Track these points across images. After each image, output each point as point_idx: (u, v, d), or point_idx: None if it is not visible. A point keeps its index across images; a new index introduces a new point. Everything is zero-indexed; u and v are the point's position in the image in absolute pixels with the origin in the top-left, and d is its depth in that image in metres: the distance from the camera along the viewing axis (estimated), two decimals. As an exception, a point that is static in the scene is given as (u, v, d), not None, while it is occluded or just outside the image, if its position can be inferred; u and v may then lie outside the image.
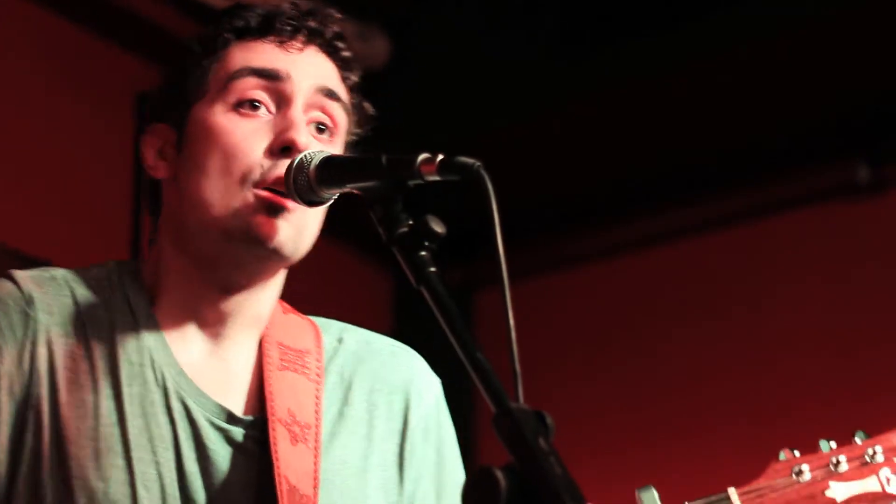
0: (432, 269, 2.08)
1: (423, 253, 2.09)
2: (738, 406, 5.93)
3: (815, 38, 5.43)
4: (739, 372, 6.02)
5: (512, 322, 1.98)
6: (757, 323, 6.07)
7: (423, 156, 2.14)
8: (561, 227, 6.47)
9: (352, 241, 5.90)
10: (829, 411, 5.47)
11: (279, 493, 2.38)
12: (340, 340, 2.63)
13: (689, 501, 2.45)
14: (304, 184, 2.32)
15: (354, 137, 2.56)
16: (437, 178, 2.13)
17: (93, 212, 5.12)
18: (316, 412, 2.49)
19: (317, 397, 2.51)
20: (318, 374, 2.54)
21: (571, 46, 5.65)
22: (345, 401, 2.55)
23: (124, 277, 2.49)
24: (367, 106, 2.59)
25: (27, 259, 4.57)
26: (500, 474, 1.82)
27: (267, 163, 2.40)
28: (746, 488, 2.49)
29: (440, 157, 2.13)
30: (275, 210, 2.39)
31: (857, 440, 2.52)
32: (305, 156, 2.34)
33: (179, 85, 2.49)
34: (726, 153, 5.95)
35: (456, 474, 2.61)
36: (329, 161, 2.32)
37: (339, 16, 2.57)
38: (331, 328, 2.65)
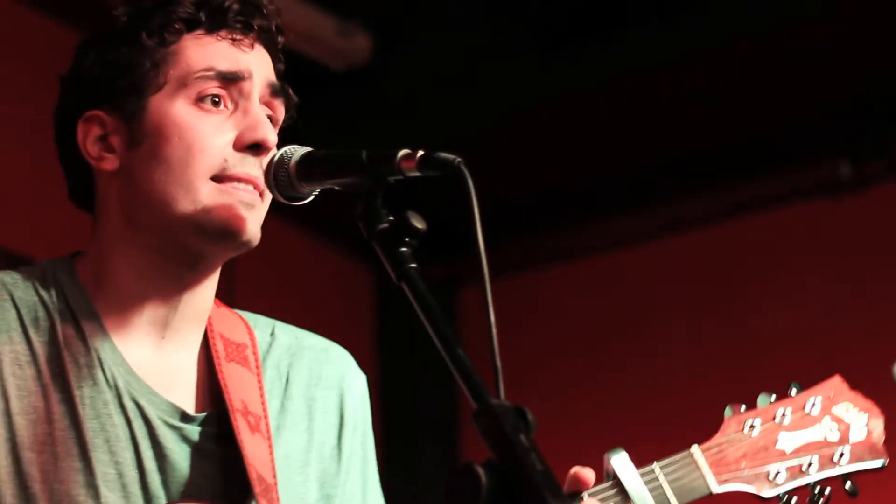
0: (413, 265, 2.07)
1: (404, 249, 2.09)
2: (720, 402, 5.93)
3: (796, 37, 5.45)
4: (723, 368, 6.03)
5: (492, 318, 1.97)
6: (741, 320, 6.09)
7: (403, 152, 2.13)
8: (545, 224, 6.49)
9: (333, 237, 5.90)
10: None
11: (252, 481, 2.37)
12: (272, 335, 2.61)
13: (657, 461, 2.52)
14: (284, 179, 2.31)
15: (284, 125, 2.55)
16: (417, 173, 2.12)
17: (73, 207, 5.10)
18: (262, 403, 2.49)
19: (260, 389, 2.50)
20: (257, 367, 2.53)
21: (555, 43, 5.66)
22: (284, 394, 2.55)
23: (60, 276, 2.44)
24: (292, 93, 2.56)
25: (11, 256, 4.56)
26: (480, 470, 1.82)
27: (233, 157, 2.40)
28: (706, 444, 2.59)
29: (420, 152, 2.12)
30: (248, 205, 2.39)
31: (793, 392, 2.67)
32: (286, 151, 2.33)
33: (125, 74, 2.44)
34: (709, 151, 5.97)
35: (375, 469, 2.64)
36: (309, 157, 2.31)
37: (274, 7, 2.55)
38: (259, 322, 2.63)
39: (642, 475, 2.49)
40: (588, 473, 2.43)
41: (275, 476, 2.43)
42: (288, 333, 2.64)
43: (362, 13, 5.62)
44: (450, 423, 6.09)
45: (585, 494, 2.42)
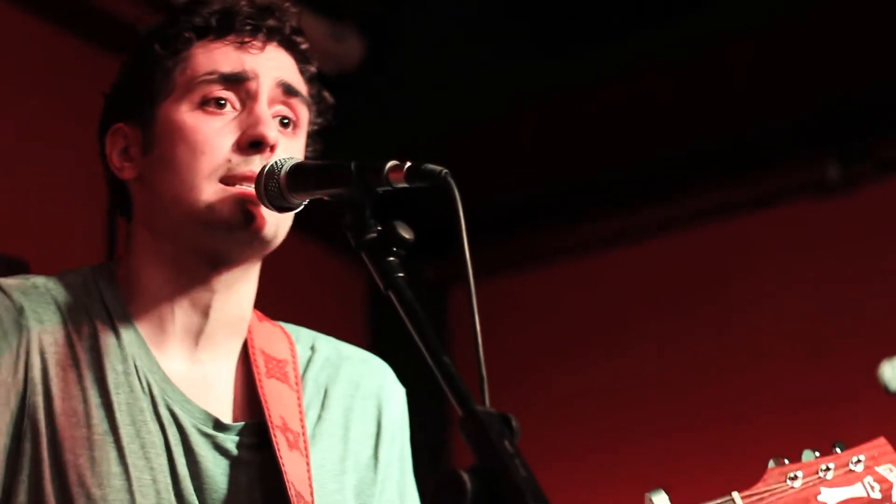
0: (400, 274, 2.10)
1: (392, 258, 2.12)
2: (708, 402, 5.96)
3: (784, 38, 5.47)
4: (708, 371, 6.04)
5: (478, 327, 2.00)
6: (727, 321, 6.09)
7: (391, 163, 2.16)
8: (533, 225, 6.50)
9: (326, 238, 5.91)
10: (799, 409, 5.51)
11: (291, 498, 2.41)
12: (313, 349, 2.66)
13: None
14: (274, 190, 2.35)
15: (316, 127, 2.60)
16: (405, 185, 2.16)
17: (68, 211, 5.12)
18: (301, 421, 2.53)
19: (299, 405, 2.55)
20: (296, 383, 2.57)
21: (543, 48, 5.67)
22: (322, 406, 2.59)
23: (100, 282, 2.50)
24: (327, 95, 2.62)
25: (5, 259, 4.57)
26: (465, 476, 1.84)
27: (236, 158, 2.43)
28: (747, 492, 2.60)
29: (408, 164, 2.15)
30: (243, 201, 2.41)
31: (838, 450, 2.68)
32: (276, 163, 2.37)
33: (141, 85, 2.51)
34: (696, 152, 5.97)
35: (412, 481, 2.68)
36: (299, 168, 2.35)
37: (295, 10, 2.60)
38: (301, 336, 2.68)
39: None
40: None
41: (312, 493, 2.46)
42: (328, 346, 2.68)
43: (354, 16, 5.64)
44: (439, 426, 6.10)
45: None
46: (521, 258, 6.60)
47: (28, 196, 5.04)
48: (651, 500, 2.53)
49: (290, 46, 2.57)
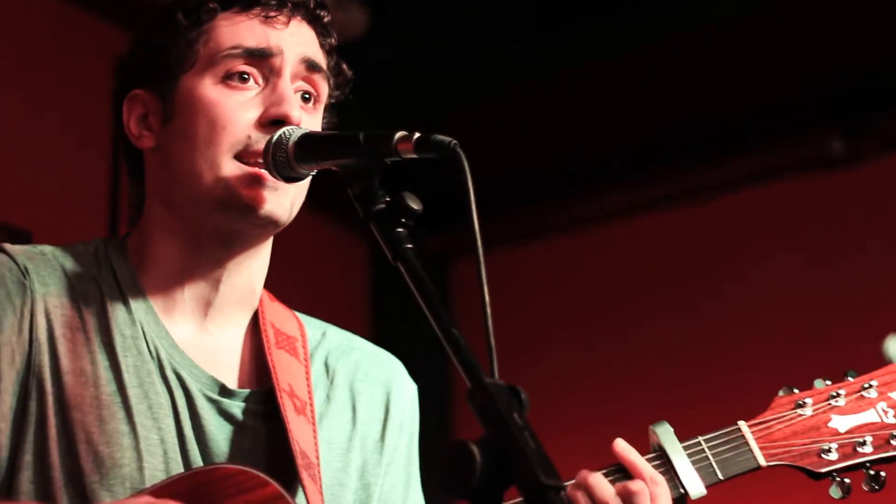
0: (409, 245, 2.10)
1: (400, 229, 2.11)
2: (715, 374, 5.96)
3: (788, 15, 5.45)
4: (717, 341, 6.05)
5: (487, 298, 1.99)
6: (730, 295, 6.10)
7: (399, 134, 2.15)
8: (534, 200, 6.50)
9: (329, 210, 5.91)
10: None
11: (295, 454, 2.41)
12: (324, 335, 2.67)
13: (701, 435, 2.54)
14: (282, 160, 2.34)
15: (333, 100, 2.59)
16: (413, 155, 2.14)
17: (71, 182, 5.12)
18: (308, 392, 2.53)
19: (307, 378, 2.55)
20: (305, 359, 2.58)
21: (546, 22, 5.65)
22: (330, 386, 2.59)
23: (111, 252, 2.50)
24: (345, 68, 2.60)
25: (9, 229, 4.57)
26: (474, 448, 1.84)
27: (256, 134, 2.42)
28: (755, 420, 2.60)
29: (417, 135, 2.14)
30: (258, 181, 2.40)
31: (850, 378, 2.68)
32: (284, 132, 2.36)
33: (163, 54, 2.49)
34: (701, 126, 5.97)
35: (417, 475, 2.68)
36: (307, 138, 2.34)
37: None
38: (312, 322, 2.69)
39: (687, 448, 2.52)
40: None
41: (318, 456, 2.47)
42: (339, 335, 2.70)
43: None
44: (443, 395, 6.12)
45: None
46: (524, 231, 6.60)
47: (32, 167, 5.03)
48: (654, 432, 2.54)
49: (313, 20, 2.55)
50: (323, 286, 6.23)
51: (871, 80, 5.72)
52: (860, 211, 5.89)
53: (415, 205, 2.12)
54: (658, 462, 2.50)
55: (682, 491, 2.49)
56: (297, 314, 2.68)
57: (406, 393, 2.69)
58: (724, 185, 6.15)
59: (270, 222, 2.43)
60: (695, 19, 5.50)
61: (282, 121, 2.41)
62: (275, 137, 2.36)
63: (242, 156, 2.41)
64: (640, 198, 6.34)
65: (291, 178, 2.37)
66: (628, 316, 6.32)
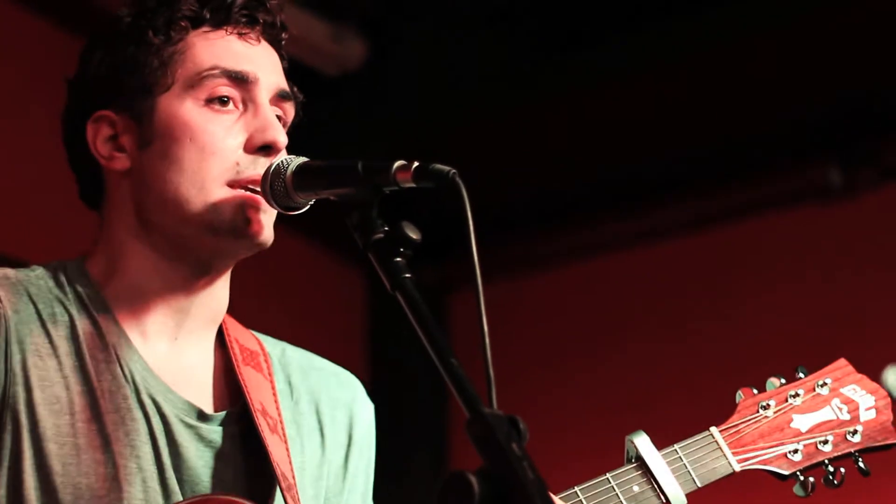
0: (407, 275, 2.09)
1: (399, 259, 2.11)
2: (711, 403, 5.94)
3: (788, 43, 5.46)
4: (713, 372, 6.03)
5: (486, 328, 1.99)
6: (729, 325, 6.09)
7: (398, 163, 2.15)
8: (534, 228, 6.50)
9: (326, 240, 5.90)
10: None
11: (278, 477, 2.39)
12: (283, 351, 2.65)
13: (676, 443, 2.61)
14: (280, 190, 2.34)
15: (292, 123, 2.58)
16: (412, 185, 2.14)
17: (66, 206, 5.10)
18: (277, 408, 2.52)
19: (274, 395, 2.54)
20: (269, 374, 2.56)
21: (544, 48, 5.66)
22: (296, 408, 2.58)
23: (71, 274, 2.46)
24: (297, 90, 2.58)
25: (6, 259, 4.56)
26: (473, 479, 1.83)
27: (244, 160, 2.42)
28: (725, 426, 2.69)
29: (415, 164, 2.14)
30: (254, 206, 2.40)
31: (801, 375, 2.78)
32: (282, 162, 2.35)
33: (133, 73, 2.45)
34: (699, 156, 5.97)
35: (371, 494, 2.67)
36: (305, 167, 2.33)
37: (276, 1, 2.56)
38: (269, 340, 2.67)
39: (665, 456, 2.57)
40: None
41: (294, 477, 2.46)
42: (298, 353, 2.68)
43: (356, 18, 5.63)
44: (440, 428, 6.10)
45: (609, 476, 2.50)
46: (521, 261, 6.59)
47: (27, 194, 5.02)
48: (632, 441, 2.58)
49: (276, 42, 2.56)
50: (318, 316, 6.22)
51: (868, 109, 5.72)
52: (858, 241, 5.89)
53: (413, 234, 2.12)
54: (639, 472, 2.54)
55: (663, 500, 2.52)
56: (254, 333, 2.65)
57: (366, 415, 2.68)
58: (722, 216, 6.15)
59: (263, 245, 2.44)
60: (690, 49, 5.52)
61: (268, 146, 2.41)
62: (273, 167, 2.35)
63: (234, 183, 2.41)
64: (639, 229, 6.33)
65: (290, 208, 2.37)
66: (628, 346, 6.31)
